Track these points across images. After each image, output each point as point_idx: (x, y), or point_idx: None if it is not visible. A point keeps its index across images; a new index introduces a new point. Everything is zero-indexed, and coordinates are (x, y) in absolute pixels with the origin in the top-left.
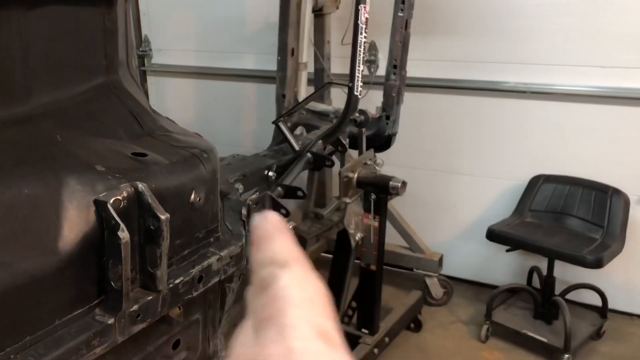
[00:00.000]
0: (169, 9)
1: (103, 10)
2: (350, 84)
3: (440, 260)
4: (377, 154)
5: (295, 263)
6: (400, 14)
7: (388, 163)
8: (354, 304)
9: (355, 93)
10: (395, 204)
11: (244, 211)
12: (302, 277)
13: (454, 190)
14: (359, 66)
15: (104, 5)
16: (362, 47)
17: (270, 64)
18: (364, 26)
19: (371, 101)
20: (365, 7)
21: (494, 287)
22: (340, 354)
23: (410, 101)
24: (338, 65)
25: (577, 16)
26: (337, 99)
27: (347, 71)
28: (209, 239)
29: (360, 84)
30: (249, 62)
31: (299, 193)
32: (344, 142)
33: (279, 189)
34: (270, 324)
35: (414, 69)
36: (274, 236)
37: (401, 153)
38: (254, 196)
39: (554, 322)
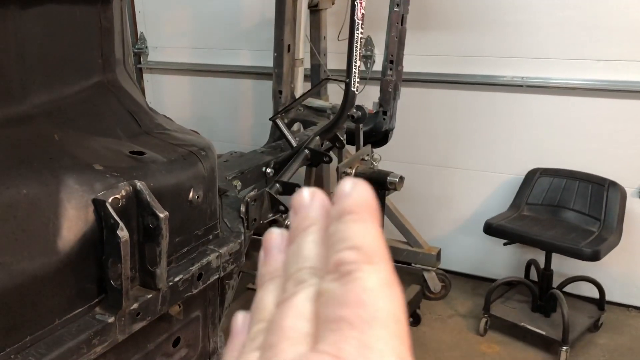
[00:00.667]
0: (165, 6)
1: (99, 8)
2: (347, 80)
3: (438, 254)
4: (375, 150)
5: (383, 261)
6: (396, 9)
7: (385, 158)
8: None
9: (353, 89)
10: (392, 199)
11: (242, 208)
12: (389, 284)
13: (451, 184)
14: (355, 62)
15: (100, 3)
16: (359, 43)
17: (266, 60)
18: (360, 22)
19: (368, 96)
20: (361, 3)
21: (491, 280)
22: None
23: (407, 96)
24: (334, 61)
25: (573, 9)
26: (334, 94)
27: (343, 67)
28: (208, 237)
29: (357, 79)
30: (245, 59)
31: (297, 189)
32: (341, 138)
33: (277, 185)
34: (349, 335)
35: (411, 64)
36: (365, 217)
37: (398, 148)
38: (252, 193)
39: (551, 315)
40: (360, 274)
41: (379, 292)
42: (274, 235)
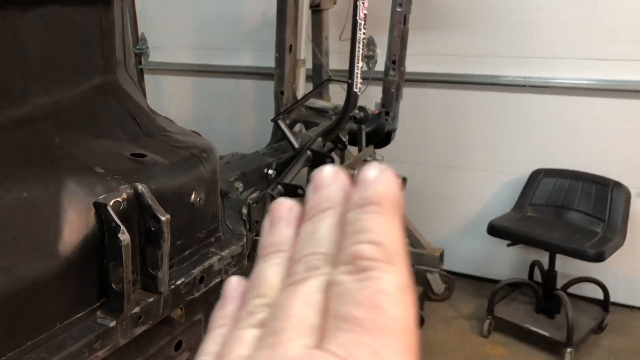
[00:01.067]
0: (165, 7)
1: (100, 10)
2: (349, 81)
3: (442, 255)
4: (377, 150)
5: (403, 264)
6: (398, 9)
7: (388, 159)
8: None
9: (355, 90)
10: None
11: (244, 210)
12: (406, 291)
13: (454, 185)
14: (358, 63)
15: (101, 5)
16: (361, 43)
17: (268, 61)
18: (362, 22)
19: (370, 97)
20: (364, 3)
21: (495, 281)
22: None
23: (409, 96)
24: (336, 61)
25: (576, 9)
26: (336, 95)
27: (345, 67)
28: (210, 239)
29: (359, 80)
30: (247, 59)
31: (299, 191)
32: (343, 139)
33: (279, 187)
34: (360, 339)
35: (413, 64)
36: (389, 211)
37: (401, 148)
38: (254, 195)
39: (556, 316)
40: (379, 274)
41: (396, 298)
42: (284, 206)
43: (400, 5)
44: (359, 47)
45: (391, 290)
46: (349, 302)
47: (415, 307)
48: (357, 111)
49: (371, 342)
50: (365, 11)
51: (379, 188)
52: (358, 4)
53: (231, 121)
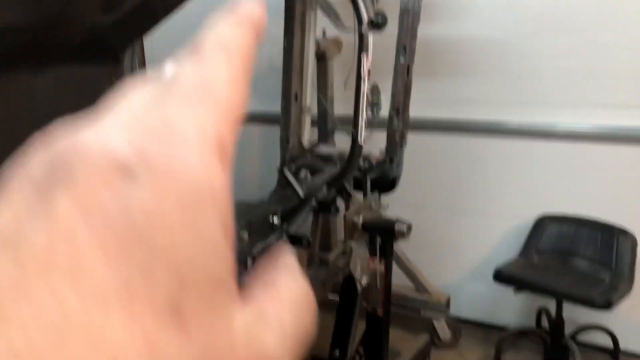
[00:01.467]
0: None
1: (110, 68)
2: (353, 131)
3: (448, 302)
4: (382, 196)
5: (239, 63)
6: (402, 61)
7: (393, 203)
8: (361, 350)
9: (359, 142)
10: (401, 245)
11: (249, 262)
12: (236, 80)
13: (460, 230)
14: (362, 115)
15: (111, 63)
16: (365, 96)
17: (273, 106)
18: (366, 76)
19: (374, 141)
20: (367, 56)
21: (502, 328)
22: (224, 175)
23: (414, 142)
24: (341, 106)
25: (579, 56)
26: (341, 139)
27: (350, 111)
28: None
29: (363, 132)
30: (253, 105)
31: (304, 242)
32: (347, 189)
33: (285, 237)
34: (181, 107)
35: (417, 109)
36: (248, 26)
37: (406, 193)
38: (259, 245)
39: None
40: (213, 61)
41: (224, 83)
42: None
43: (403, 56)
44: (362, 99)
45: (221, 76)
46: (175, 71)
47: (244, 98)
48: (361, 161)
49: (193, 110)
50: (368, 66)
51: (242, 5)
52: (362, 57)
53: (237, 166)
